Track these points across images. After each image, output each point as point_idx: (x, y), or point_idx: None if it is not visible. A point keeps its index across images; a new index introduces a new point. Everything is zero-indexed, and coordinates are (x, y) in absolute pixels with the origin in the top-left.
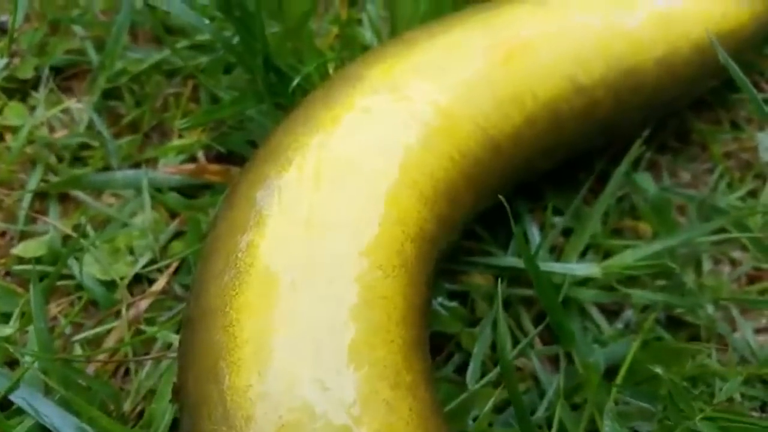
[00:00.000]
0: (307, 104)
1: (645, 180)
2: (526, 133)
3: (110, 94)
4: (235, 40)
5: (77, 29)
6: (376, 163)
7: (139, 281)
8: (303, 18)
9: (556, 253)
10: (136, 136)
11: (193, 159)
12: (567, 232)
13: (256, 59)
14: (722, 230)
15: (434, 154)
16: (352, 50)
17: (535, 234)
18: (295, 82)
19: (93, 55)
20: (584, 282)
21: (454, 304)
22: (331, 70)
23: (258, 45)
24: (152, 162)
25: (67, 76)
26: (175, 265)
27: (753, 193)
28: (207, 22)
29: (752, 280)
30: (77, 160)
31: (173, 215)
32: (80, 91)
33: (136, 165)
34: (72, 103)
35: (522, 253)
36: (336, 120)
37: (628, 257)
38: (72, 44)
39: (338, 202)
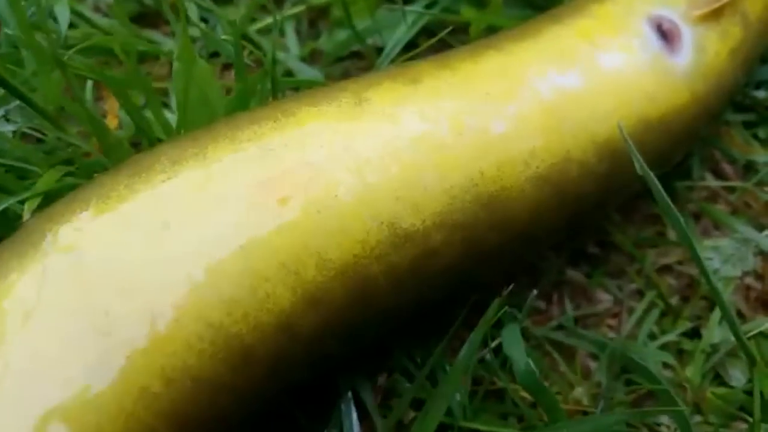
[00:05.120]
0: None
1: (515, 346)
2: (305, 319)
3: None
4: None
5: None
6: None
7: None
8: None
9: None
10: None
11: None
12: (420, 404)
13: None
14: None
15: (116, 392)
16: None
17: (355, 426)
18: None
19: None
20: None
21: None
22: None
23: None
24: None
25: None
26: None
27: (695, 332)
28: None
29: None
30: None
31: None
32: None
33: None
34: None
35: None
36: None
37: None
38: None
39: None
